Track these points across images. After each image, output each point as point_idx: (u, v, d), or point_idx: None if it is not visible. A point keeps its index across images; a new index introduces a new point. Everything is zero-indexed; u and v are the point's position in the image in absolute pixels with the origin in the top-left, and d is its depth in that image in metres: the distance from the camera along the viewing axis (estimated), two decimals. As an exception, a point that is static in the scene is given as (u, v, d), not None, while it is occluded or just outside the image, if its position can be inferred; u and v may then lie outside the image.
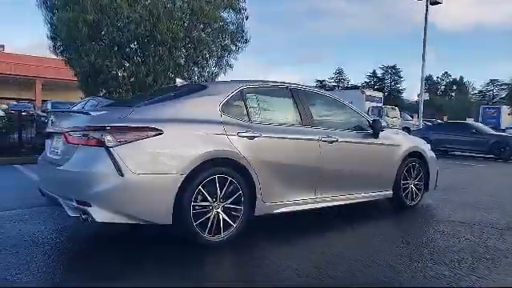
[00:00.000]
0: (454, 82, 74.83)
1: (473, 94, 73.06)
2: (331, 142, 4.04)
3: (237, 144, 3.35)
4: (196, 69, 9.95)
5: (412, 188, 4.92)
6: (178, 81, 4.16)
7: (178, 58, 9.32)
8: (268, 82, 4.08)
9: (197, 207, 3.13)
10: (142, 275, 2.66)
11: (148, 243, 3.34)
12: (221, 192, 3.25)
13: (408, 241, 3.56)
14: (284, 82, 4.15)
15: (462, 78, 74.74)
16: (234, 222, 3.32)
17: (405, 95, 68.53)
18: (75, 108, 9.75)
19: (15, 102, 27.34)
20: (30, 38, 76.73)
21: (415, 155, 4.94)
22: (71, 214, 2.97)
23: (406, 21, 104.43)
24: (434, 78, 74.55)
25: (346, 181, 4.22)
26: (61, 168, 3.02)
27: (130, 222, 2.97)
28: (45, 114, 13.19)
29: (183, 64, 9.56)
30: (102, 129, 2.89)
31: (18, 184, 6.12)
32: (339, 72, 73.88)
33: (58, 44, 9.80)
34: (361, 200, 4.40)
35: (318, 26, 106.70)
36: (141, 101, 3.60)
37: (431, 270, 2.85)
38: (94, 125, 2.94)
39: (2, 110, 14.07)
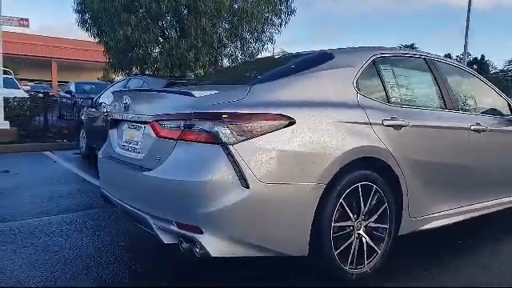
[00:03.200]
0: (475, 60, 71.80)
1: (494, 74, 70.14)
2: (481, 131, 3.03)
3: (383, 136, 2.36)
4: (239, 44, 8.86)
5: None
6: (277, 51, 3.14)
7: (221, 32, 8.24)
8: (400, 49, 3.04)
9: (336, 229, 2.18)
10: None
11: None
12: (364, 206, 2.30)
13: None
14: (417, 51, 3.11)
15: (483, 56, 71.62)
16: (378, 247, 2.38)
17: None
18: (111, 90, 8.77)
19: (32, 83, 26.64)
20: (41, 21, 75.46)
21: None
22: (166, 240, 2.04)
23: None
24: (454, 57, 71.60)
25: (493, 182, 3.22)
26: (150, 174, 2.05)
27: (253, 254, 2.02)
28: (69, 96, 12.37)
29: (225, 38, 8.47)
30: (216, 117, 1.92)
31: (56, 177, 5.20)
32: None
33: (87, 17, 8.77)
34: (505, 206, 3.40)
35: (330, 4, 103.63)
36: (240, 78, 2.60)
37: None
38: (204, 111, 1.96)
39: (25, 91, 13.25)
